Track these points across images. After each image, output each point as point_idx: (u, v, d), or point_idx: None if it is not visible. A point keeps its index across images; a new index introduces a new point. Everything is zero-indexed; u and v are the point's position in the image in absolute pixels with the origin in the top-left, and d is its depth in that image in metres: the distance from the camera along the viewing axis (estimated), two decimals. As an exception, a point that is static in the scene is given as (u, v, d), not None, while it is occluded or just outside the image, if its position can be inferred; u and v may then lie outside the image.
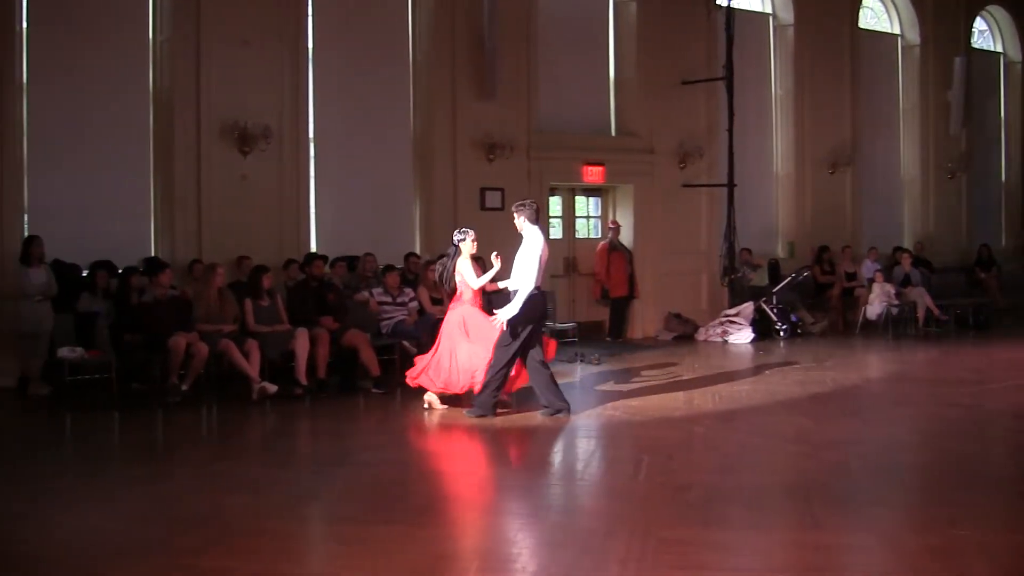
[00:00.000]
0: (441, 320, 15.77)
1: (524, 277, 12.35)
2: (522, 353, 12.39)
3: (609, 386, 15.00)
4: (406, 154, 19.19)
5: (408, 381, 13.29)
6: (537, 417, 12.32)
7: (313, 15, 18.15)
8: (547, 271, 13.01)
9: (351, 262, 17.20)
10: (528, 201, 13.03)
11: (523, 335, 12.24)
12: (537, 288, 12.34)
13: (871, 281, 22.71)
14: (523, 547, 7.50)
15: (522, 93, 19.99)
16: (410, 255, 18.02)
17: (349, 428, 12.60)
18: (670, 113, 21.81)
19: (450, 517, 8.51)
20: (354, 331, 14.96)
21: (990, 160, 29.23)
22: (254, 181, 17.07)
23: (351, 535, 7.80)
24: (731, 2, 21.27)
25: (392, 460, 10.49)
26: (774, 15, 24.62)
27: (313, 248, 17.70)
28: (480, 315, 12.92)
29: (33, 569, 7.11)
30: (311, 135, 18.05)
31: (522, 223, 12.64)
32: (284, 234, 17.39)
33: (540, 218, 12.85)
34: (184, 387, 13.66)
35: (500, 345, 12.31)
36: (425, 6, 19.14)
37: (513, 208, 13.01)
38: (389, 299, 16.04)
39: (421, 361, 13.19)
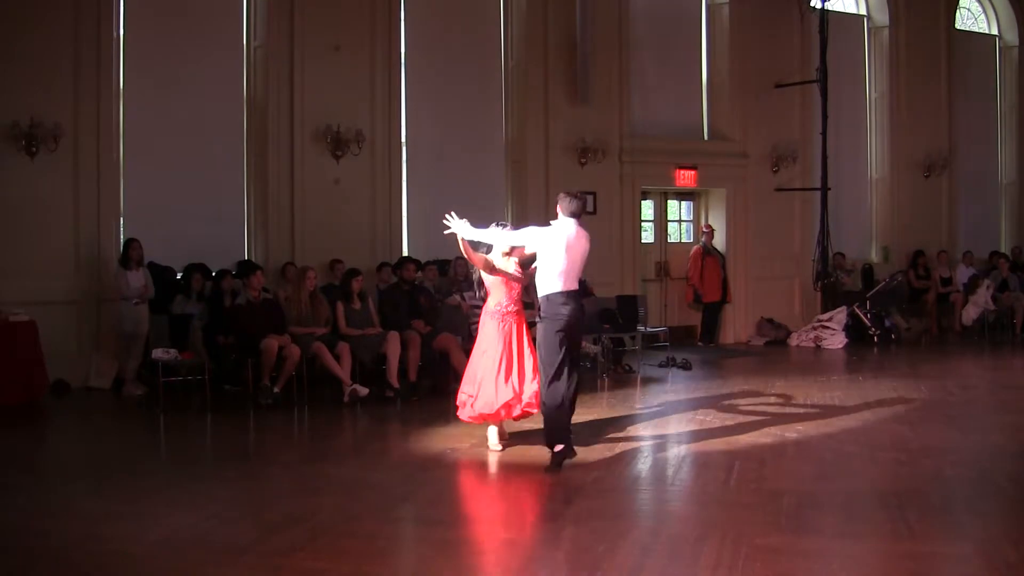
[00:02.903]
0: (533, 324, 15.81)
1: (540, 277, 10.45)
2: (552, 361, 10.17)
3: (701, 391, 14.90)
4: (498, 158, 19.25)
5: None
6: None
7: (405, 20, 18.25)
8: (580, 273, 10.45)
9: (443, 266, 17.24)
10: (567, 192, 10.70)
11: (555, 349, 10.12)
12: (564, 293, 10.22)
13: (966, 286, 22.39)
14: (614, 552, 7.46)
15: (614, 97, 19.96)
16: (502, 259, 18.05)
17: (439, 431, 12.60)
18: (763, 116, 21.64)
19: (538, 521, 8.47)
20: (445, 335, 14.99)
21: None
22: (347, 185, 17.21)
23: (439, 538, 7.80)
24: (825, 4, 21.04)
25: (481, 464, 10.48)
26: (869, 16, 24.34)
27: (405, 252, 17.78)
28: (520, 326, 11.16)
29: (128, 568, 7.19)
30: (403, 139, 18.16)
31: (559, 213, 10.54)
32: (376, 238, 17.52)
33: (577, 210, 10.46)
34: (276, 389, 13.76)
35: (540, 364, 10.44)
36: (518, 11, 19.19)
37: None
38: (480, 303, 16.02)
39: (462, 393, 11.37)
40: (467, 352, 14.95)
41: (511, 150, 19.32)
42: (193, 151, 16.56)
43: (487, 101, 19.22)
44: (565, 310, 10.16)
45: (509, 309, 11.16)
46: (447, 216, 10.79)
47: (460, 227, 10.76)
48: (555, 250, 10.24)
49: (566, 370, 10.18)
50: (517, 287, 11.24)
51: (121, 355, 15.21)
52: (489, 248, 11.33)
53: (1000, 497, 9.10)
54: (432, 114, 18.56)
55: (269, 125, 16.90)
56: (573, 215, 10.42)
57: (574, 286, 10.32)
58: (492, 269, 11.16)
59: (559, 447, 10.02)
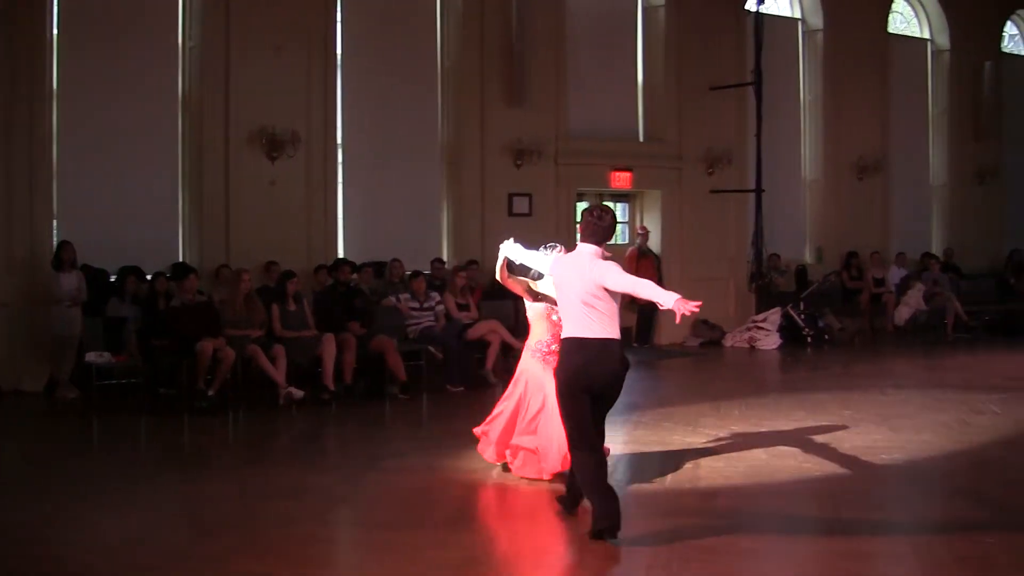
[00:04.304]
0: (470, 326, 15.86)
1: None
2: (572, 425, 8.06)
3: (636, 393, 14.97)
4: (435, 160, 19.21)
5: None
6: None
7: (342, 21, 18.18)
8: (601, 315, 7.99)
9: (379, 268, 17.23)
10: (587, 209, 8.59)
11: (569, 411, 8.06)
12: (574, 340, 8.03)
13: (899, 287, 22.65)
14: (551, 551, 7.50)
15: (551, 99, 19.98)
16: (436, 261, 18.06)
17: (376, 434, 12.60)
18: (698, 119, 21.74)
19: (478, 523, 8.48)
20: (381, 337, 14.97)
21: (1022, 166, 28.99)
22: (282, 187, 17.12)
23: (380, 541, 7.81)
24: (760, 7, 21.19)
25: (420, 466, 10.48)
26: (803, 20, 24.52)
27: (341, 254, 17.72)
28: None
29: (59, 572, 7.13)
30: (339, 141, 18.09)
31: None
32: (312, 240, 17.43)
33: (595, 233, 8.26)
34: (211, 392, 13.65)
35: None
36: (454, 13, 19.17)
37: None
38: (416, 304, 16.03)
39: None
40: (403, 354, 15.02)
41: (447, 151, 19.29)
42: (127, 152, 16.39)
43: (423, 102, 19.17)
44: (570, 361, 8.01)
45: (552, 348, 9.55)
46: (503, 243, 9.48)
47: (510, 249, 9.51)
48: (556, 286, 8.51)
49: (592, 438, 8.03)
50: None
51: (54, 358, 15.05)
52: (539, 275, 9.72)
53: (934, 496, 9.22)
54: (368, 115, 18.49)
55: (204, 126, 16.77)
56: (588, 238, 8.28)
57: (588, 332, 7.99)
58: (535, 295, 9.84)
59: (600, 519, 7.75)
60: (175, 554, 7.42)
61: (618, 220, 21.47)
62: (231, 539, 7.76)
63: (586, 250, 8.16)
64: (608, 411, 8.20)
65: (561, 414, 8.19)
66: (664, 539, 7.59)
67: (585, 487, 7.92)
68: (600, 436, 8.11)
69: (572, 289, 8.06)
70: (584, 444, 7.88)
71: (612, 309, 7.99)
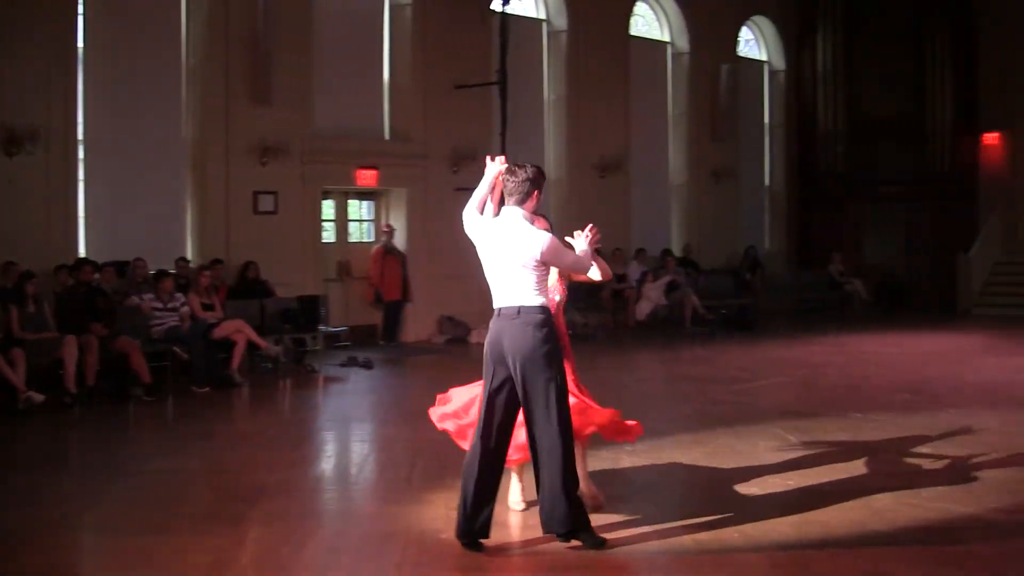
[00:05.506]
0: (215, 325, 15.77)
1: None
2: (487, 419, 7.62)
3: (383, 390, 15.15)
4: (179, 157, 18.91)
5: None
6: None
7: (84, 16, 17.73)
8: (520, 285, 7.70)
9: (121, 268, 16.92)
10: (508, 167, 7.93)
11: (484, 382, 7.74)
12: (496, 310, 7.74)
13: (639, 283, 23.38)
14: (300, 553, 7.59)
15: (297, 97, 19.87)
16: (181, 260, 17.85)
17: (120, 437, 12.46)
18: (444, 117, 21.95)
19: (227, 526, 8.50)
20: (124, 338, 14.75)
21: (756, 165, 30.26)
22: (20, 184, 16.63)
23: (122, 547, 7.77)
24: (506, 7, 21.51)
25: (165, 469, 10.43)
26: (548, 21, 25.01)
27: (82, 253, 17.33)
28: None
29: None
30: (81, 138, 17.67)
31: None
32: (52, 239, 16.95)
33: (512, 191, 7.83)
34: (-54, 397, 13.28)
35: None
36: (199, 8, 18.87)
37: None
38: (160, 304, 15.82)
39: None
40: (147, 355, 14.84)
41: (192, 149, 19.03)
42: None
43: (168, 99, 18.80)
44: (489, 332, 7.75)
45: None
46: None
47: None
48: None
49: (482, 424, 7.65)
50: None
51: None
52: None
53: (678, 486, 9.58)
54: (112, 112, 18.10)
55: (-64, 121, 16.25)
56: (512, 202, 7.82)
57: (504, 301, 7.71)
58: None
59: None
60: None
61: (364, 219, 21.90)
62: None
63: (518, 214, 7.77)
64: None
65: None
66: (414, 536, 7.77)
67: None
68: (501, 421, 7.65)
69: (496, 254, 7.82)
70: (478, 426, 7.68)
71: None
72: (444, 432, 8.57)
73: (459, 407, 8.52)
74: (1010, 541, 7.81)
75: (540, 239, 7.60)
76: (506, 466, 7.94)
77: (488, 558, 7.38)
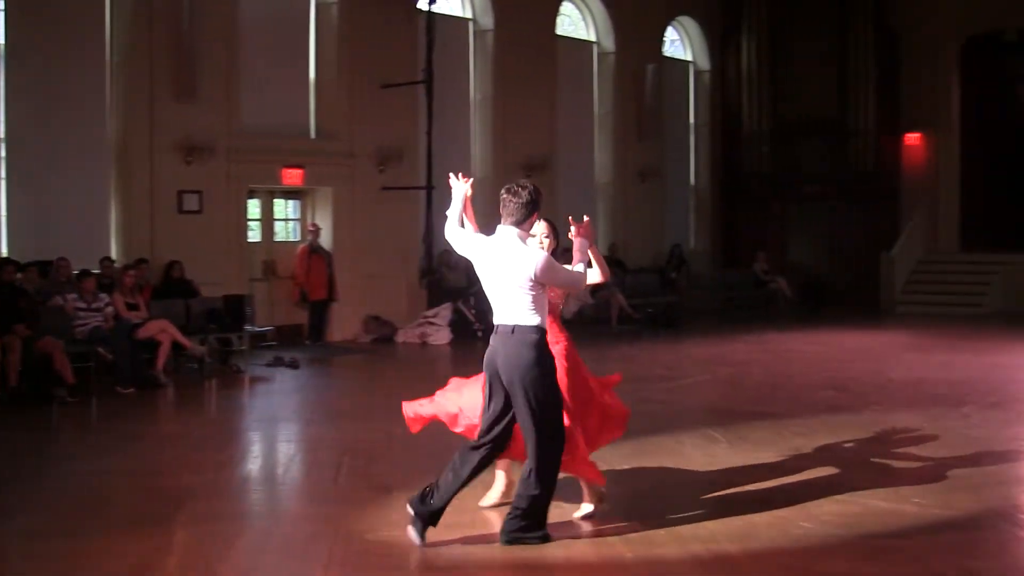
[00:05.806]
0: (139, 325, 15.64)
1: None
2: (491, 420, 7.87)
3: (308, 390, 15.12)
4: (103, 156, 18.71)
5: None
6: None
7: (6, 12, 17.52)
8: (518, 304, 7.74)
9: (44, 268, 16.74)
10: (507, 187, 8.01)
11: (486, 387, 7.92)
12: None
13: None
14: (227, 554, 7.56)
15: (222, 95, 19.73)
16: (105, 259, 17.68)
17: (43, 438, 12.33)
18: (370, 116, 21.90)
19: (153, 528, 8.44)
20: (48, 338, 14.60)
21: (681, 165, 30.49)
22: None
23: (47, 550, 7.71)
24: (432, 6, 21.52)
25: (90, 471, 10.35)
26: (475, 20, 25.03)
27: (4, 253, 17.14)
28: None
29: None
30: (2, 136, 17.46)
31: None
32: (-28, 238, 16.81)
33: (513, 212, 7.91)
34: None
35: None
36: (123, 6, 18.68)
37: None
38: (84, 305, 15.67)
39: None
40: (71, 355, 14.70)
41: (116, 147, 18.84)
42: None
43: (91, 97, 18.60)
44: (488, 347, 7.85)
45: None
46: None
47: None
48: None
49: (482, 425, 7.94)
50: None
51: None
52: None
53: (608, 485, 9.62)
54: (34, 108, 17.88)
55: None
56: (509, 222, 7.89)
57: (502, 319, 7.78)
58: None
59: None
60: None
61: (290, 218, 21.80)
62: None
63: (513, 233, 7.82)
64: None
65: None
66: (341, 535, 7.77)
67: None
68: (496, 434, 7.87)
69: (492, 275, 7.81)
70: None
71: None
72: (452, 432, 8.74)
73: (466, 408, 8.54)
74: (936, 535, 7.94)
75: (534, 260, 7.66)
76: (515, 458, 8.21)
77: (414, 555, 7.41)
